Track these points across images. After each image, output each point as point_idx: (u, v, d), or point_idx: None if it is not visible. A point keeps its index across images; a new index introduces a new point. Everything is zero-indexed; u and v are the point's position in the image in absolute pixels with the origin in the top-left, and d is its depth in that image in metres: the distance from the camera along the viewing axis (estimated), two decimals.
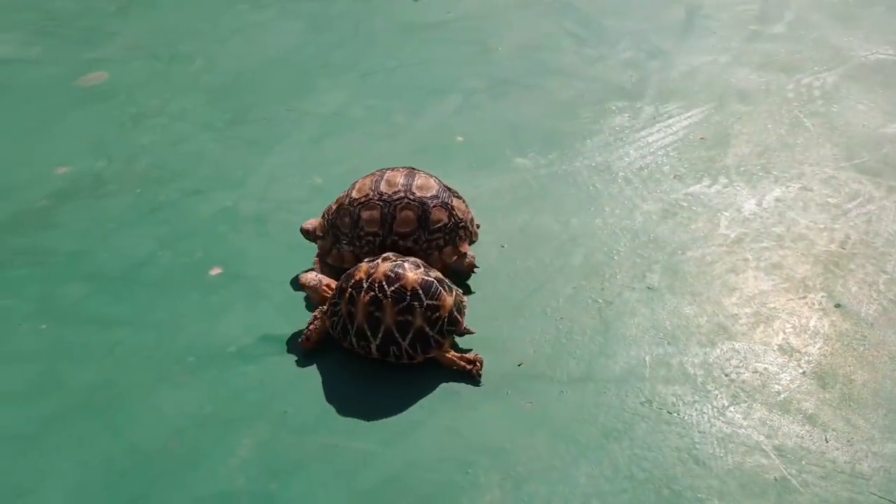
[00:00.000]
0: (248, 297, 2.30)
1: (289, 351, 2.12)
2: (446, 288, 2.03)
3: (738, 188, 2.65)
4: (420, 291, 1.98)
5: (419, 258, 2.13)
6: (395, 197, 2.20)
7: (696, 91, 3.18)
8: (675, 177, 2.71)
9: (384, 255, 2.08)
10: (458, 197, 2.31)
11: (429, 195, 2.22)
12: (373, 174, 2.29)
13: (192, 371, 2.09)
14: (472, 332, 2.07)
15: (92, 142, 2.95)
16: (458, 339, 2.08)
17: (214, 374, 2.08)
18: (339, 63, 3.38)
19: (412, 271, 2.00)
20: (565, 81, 3.24)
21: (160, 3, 4.00)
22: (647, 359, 2.07)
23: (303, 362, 2.09)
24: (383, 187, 2.22)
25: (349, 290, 2.02)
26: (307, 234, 2.37)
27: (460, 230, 2.25)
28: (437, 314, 1.99)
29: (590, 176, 2.71)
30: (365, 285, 2.00)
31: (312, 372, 2.06)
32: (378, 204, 2.20)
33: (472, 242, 2.32)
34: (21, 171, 2.83)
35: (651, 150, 2.84)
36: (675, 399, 1.97)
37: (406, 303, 1.97)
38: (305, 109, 3.11)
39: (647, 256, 2.39)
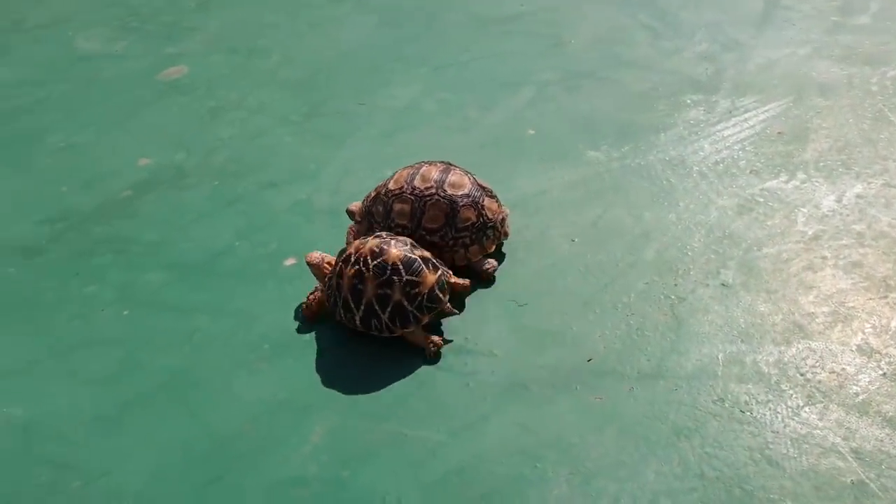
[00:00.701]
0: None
1: (364, 341, 2.15)
2: (430, 267, 2.08)
3: (817, 184, 2.57)
4: (401, 267, 2.05)
5: (444, 254, 2.22)
6: (426, 192, 2.25)
7: (773, 84, 3.09)
8: (751, 172, 2.65)
9: (376, 232, 2.17)
10: (492, 196, 2.32)
11: (459, 193, 2.25)
12: (411, 166, 2.34)
13: (268, 359, 2.14)
14: (456, 313, 2.13)
15: (172, 135, 3.05)
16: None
17: (289, 362, 2.13)
18: (412, 57, 3.41)
19: (396, 248, 2.08)
20: (639, 74, 3.19)
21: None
22: (720, 356, 2.03)
23: (374, 353, 2.12)
24: (417, 182, 2.27)
25: (339, 264, 2.13)
26: (350, 214, 2.44)
27: (488, 230, 2.28)
28: (417, 290, 2.05)
29: (663, 170, 2.67)
30: (352, 260, 2.09)
31: (383, 362, 2.09)
32: (410, 198, 2.26)
33: (501, 243, 2.35)
34: (106, 162, 2.94)
35: (727, 144, 2.78)
36: (748, 398, 1.93)
37: (386, 277, 2.04)
38: (378, 103, 3.14)
39: (722, 252, 2.34)
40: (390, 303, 2.05)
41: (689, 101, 3.02)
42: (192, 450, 1.92)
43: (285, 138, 3.01)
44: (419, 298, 2.05)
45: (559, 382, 2.00)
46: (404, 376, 2.05)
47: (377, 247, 2.08)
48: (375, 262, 2.06)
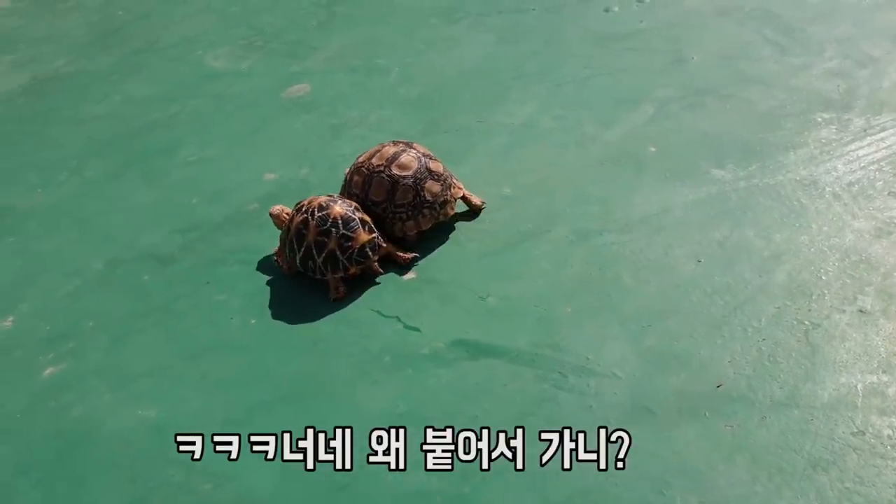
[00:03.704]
0: (440, 302, 2.36)
1: (479, 357, 2.15)
2: (366, 229, 2.41)
3: None
4: (340, 222, 2.38)
5: (385, 225, 2.51)
6: (376, 169, 2.54)
7: None
8: (889, 193, 2.51)
9: (330, 193, 2.52)
10: (437, 180, 2.54)
11: (403, 174, 2.52)
12: (381, 145, 2.63)
13: (388, 370, 2.17)
14: (380, 272, 2.45)
15: (297, 150, 3.14)
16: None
17: (409, 374, 2.15)
18: (530, 74, 3.40)
19: (340, 206, 2.41)
20: (766, 91, 3.09)
21: (358, 19, 4.19)
22: (858, 387, 1.93)
23: (492, 367, 2.11)
24: (374, 159, 2.56)
25: (293, 213, 2.48)
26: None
27: (425, 209, 2.52)
28: (350, 244, 2.37)
29: (794, 190, 2.57)
30: (302, 210, 2.44)
31: (503, 379, 2.09)
32: (364, 172, 2.56)
33: (438, 221, 2.57)
34: (234, 175, 3.06)
35: (862, 164, 2.65)
36: (891, 432, 1.82)
37: (325, 227, 2.37)
38: (496, 120, 3.15)
39: (859, 277, 2.23)
40: (325, 249, 2.36)
41: (819, 120, 2.89)
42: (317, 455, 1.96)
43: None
44: (350, 251, 2.37)
45: (687, 408, 1.94)
46: (525, 394, 2.04)
47: (325, 203, 2.43)
48: (320, 215, 2.39)
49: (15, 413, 2.23)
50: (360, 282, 2.47)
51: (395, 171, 2.52)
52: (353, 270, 2.40)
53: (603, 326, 2.18)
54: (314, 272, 2.40)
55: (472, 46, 3.71)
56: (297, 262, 2.41)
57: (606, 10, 3.78)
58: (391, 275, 2.49)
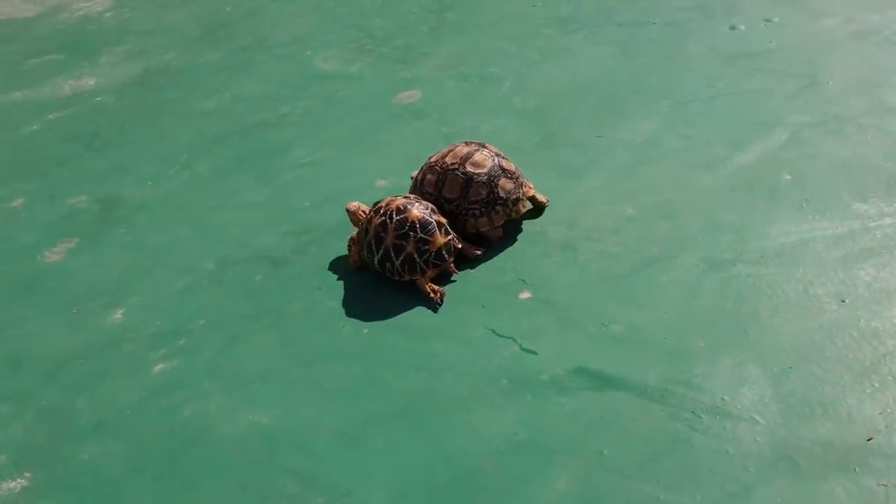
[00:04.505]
0: (559, 325, 2.26)
1: (604, 388, 2.04)
2: (443, 231, 2.44)
3: None
4: (417, 225, 2.40)
5: (458, 221, 2.55)
6: (450, 167, 2.58)
7: None
8: None
9: (406, 194, 2.55)
10: (510, 178, 2.58)
11: (477, 171, 2.55)
12: (453, 145, 2.67)
13: (506, 393, 2.08)
14: (456, 272, 2.47)
15: (408, 157, 3.08)
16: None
17: (528, 399, 2.05)
18: (652, 89, 3.27)
19: (417, 209, 2.44)
20: None
21: (469, 26, 4.13)
22: None
23: (620, 402, 2.00)
24: (448, 158, 2.61)
25: (371, 214, 2.50)
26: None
27: (498, 206, 2.55)
28: (427, 247, 2.40)
29: None
30: (381, 212, 2.46)
31: (630, 413, 1.97)
32: (438, 171, 2.60)
33: (510, 218, 2.61)
34: (346, 180, 3.02)
35: None
36: None
37: (404, 231, 2.39)
38: (616, 136, 3.03)
39: None
40: (403, 253, 2.39)
41: None
42: (434, 477, 1.89)
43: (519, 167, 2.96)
44: (427, 254, 2.39)
45: (833, 461, 1.79)
46: (655, 432, 1.92)
47: (402, 205, 2.45)
48: (398, 218, 2.42)
49: (126, 409, 2.22)
50: (472, 297, 2.39)
51: (469, 168, 2.56)
52: (429, 273, 2.43)
53: (740, 365, 2.05)
54: (392, 273, 2.42)
55: (588, 58, 3.60)
56: (376, 263, 2.44)
57: (732, 28, 3.62)
58: (505, 292, 2.40)
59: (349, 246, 2.58)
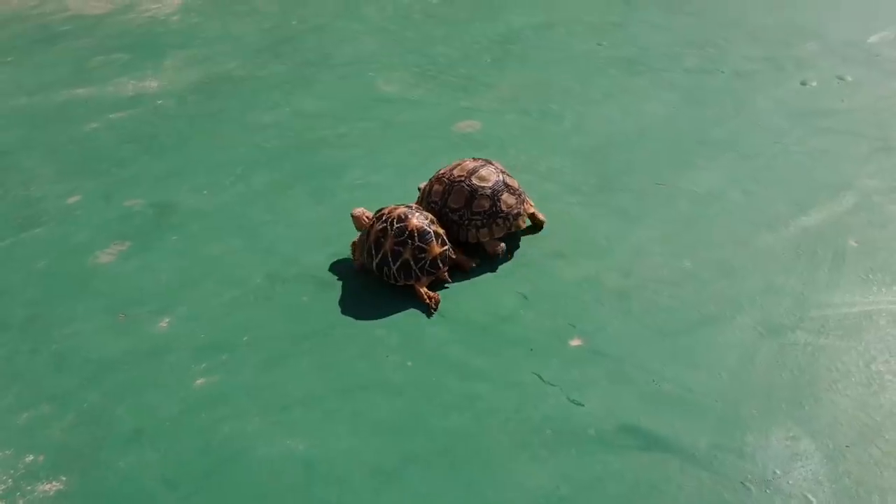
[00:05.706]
0: (610, 378, 2.20)
1: (652, 448, 1.98)
2: (439, 242, 2.56)
3: None
4: (416, 234, 2.53)
5: (460, 231, 2.66)
6: (457, 179, 2.70)
7: None
8: None
9: (409, 204, 2.65)
10: (513, 194, 2.69)
11: (482, 185, 2.67)
12: (462, 160, 2.79)
13: (550, 445, 2.03)
14: (449, 281, 2.59)
15: None
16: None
17: (572, 454, 2.00)
18: (717, 140, 3.21)
19: (417, 219, 2.56)
20: None
21: (532, 60, 4.11)
22: None
23: (667, 465, 1.94)
24: (456, 171, 2.73)
25: (373, 219, 2.63)
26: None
27: (499, 219, 2.66)
28: (423, 255, 2.52)
29: None
30: (382, 218, 2.59)
31: (677, 479, 1.91)
32: (445, 181, 2.72)
33: (510, 232, 2.70)
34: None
35: None
36: None
37: (402, 238, 2.52)
38: (677, 185, 2.98)
39: None
40: (400, 259, 2.51)
41: None
42: None
43: (575, 208, 2.92)
44: (423, 262, 2.52)
45: None
46: (702, 500, 1.85)
47: (403, 214, 2.57)
48: (398, 226, 2.54)
49: (165, 420, 2.20)
50: (520, 339, 2.34)
51: (475, 181, 2.68)
52: (424, 280, 2.54)
53: (794, 439, 1.98)
54: (389, 278, 2.55)
55: (652, 103, 3.56)
56: (374, 266, 2.57)
57: (803, 84, 3.56)
58: (555, 337, 2.35)
59: (352, 248, 2.71)
